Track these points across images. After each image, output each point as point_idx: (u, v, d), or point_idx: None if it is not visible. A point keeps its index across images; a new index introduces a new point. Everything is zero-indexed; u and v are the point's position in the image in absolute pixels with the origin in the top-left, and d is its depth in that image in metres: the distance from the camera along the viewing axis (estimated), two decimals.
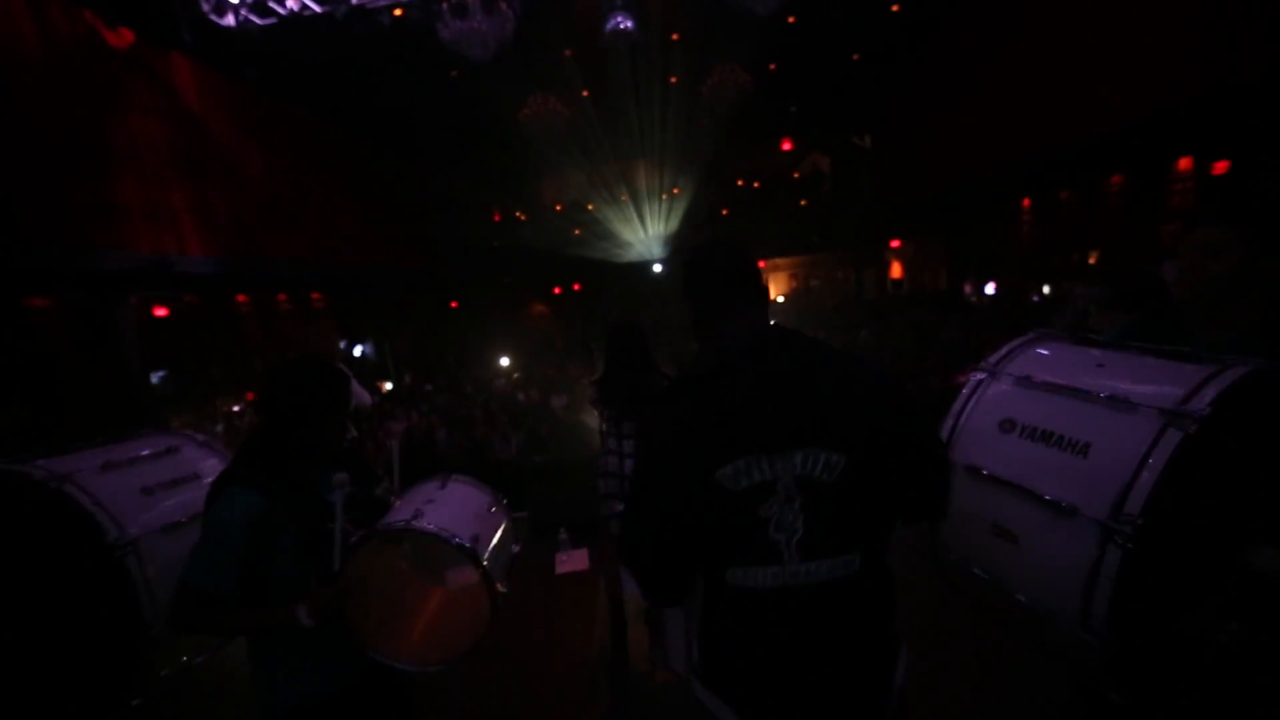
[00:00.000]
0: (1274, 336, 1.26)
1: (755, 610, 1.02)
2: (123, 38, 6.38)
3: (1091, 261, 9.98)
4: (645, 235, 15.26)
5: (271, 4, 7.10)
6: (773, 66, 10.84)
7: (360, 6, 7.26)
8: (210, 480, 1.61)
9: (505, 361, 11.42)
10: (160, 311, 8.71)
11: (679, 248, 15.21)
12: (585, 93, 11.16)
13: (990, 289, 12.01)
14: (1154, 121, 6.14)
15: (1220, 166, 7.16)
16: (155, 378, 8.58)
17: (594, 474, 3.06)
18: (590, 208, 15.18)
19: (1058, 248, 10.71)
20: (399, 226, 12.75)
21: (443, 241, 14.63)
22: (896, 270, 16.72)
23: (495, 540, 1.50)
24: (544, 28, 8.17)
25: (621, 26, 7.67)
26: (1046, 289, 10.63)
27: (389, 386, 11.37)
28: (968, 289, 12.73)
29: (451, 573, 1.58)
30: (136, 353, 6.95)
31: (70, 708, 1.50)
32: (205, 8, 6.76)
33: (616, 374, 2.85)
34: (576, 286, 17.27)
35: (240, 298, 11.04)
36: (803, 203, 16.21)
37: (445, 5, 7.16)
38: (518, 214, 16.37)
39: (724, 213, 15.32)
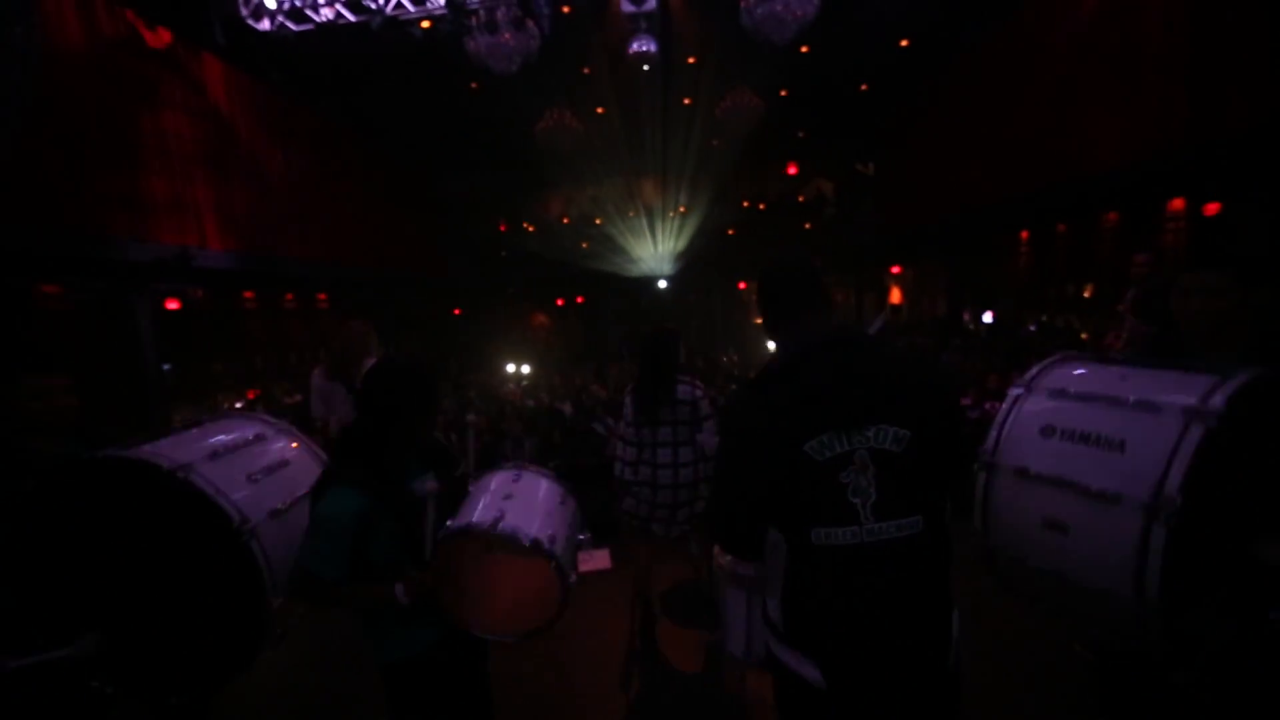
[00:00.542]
0: (1266, 355, 1.46)
1: (836, 564, 1.18)
2: (160, 37, 6.56)
3: (1086, 295, 10.28)
4: (651, 251, 15.49)
5: (307, 11, 7.31)
6: (784, 93, 11.16)
7: (393, 18, 7.48)
8: (296, 464, 1.78)
9: (511, 368, 11.51)
10: (172, 304, 8.78)
11: (686, 264, 15.44)
12: (600, 110, 11.42)
13: (988, 318, 12.28)
14: (1148, 163, 6.43)
15: (1211, 208, 7.46)
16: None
17: (607, 478, 3.16)
18: (598, 221, 15.41)
19: (1053, 280, 11.01)
20: (407, 231, 12.90)
21: (450, 248, 14.79)
22: (896, 296, 17.01)
23: (566, 534, 1.64)
24: (566, 45, 8.43)
25: (644, 49, 7.93)
26: (1044, 318, 10.90)
27: None
28: (966, 317, 13.00)
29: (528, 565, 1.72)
30: (153, 344, 7.01)
31: (214, 665, 1.73)
32: (243, 12, 6.95)
33: (651, 382, 2.93)
34: (580, 299, 17.44)
35: (247, 294, 11.10)
36: (806, 226, 16.51)
37: (475, 20, 7.39)
38: (525, 225, 16.57)
39: (730, 232, 15.58)
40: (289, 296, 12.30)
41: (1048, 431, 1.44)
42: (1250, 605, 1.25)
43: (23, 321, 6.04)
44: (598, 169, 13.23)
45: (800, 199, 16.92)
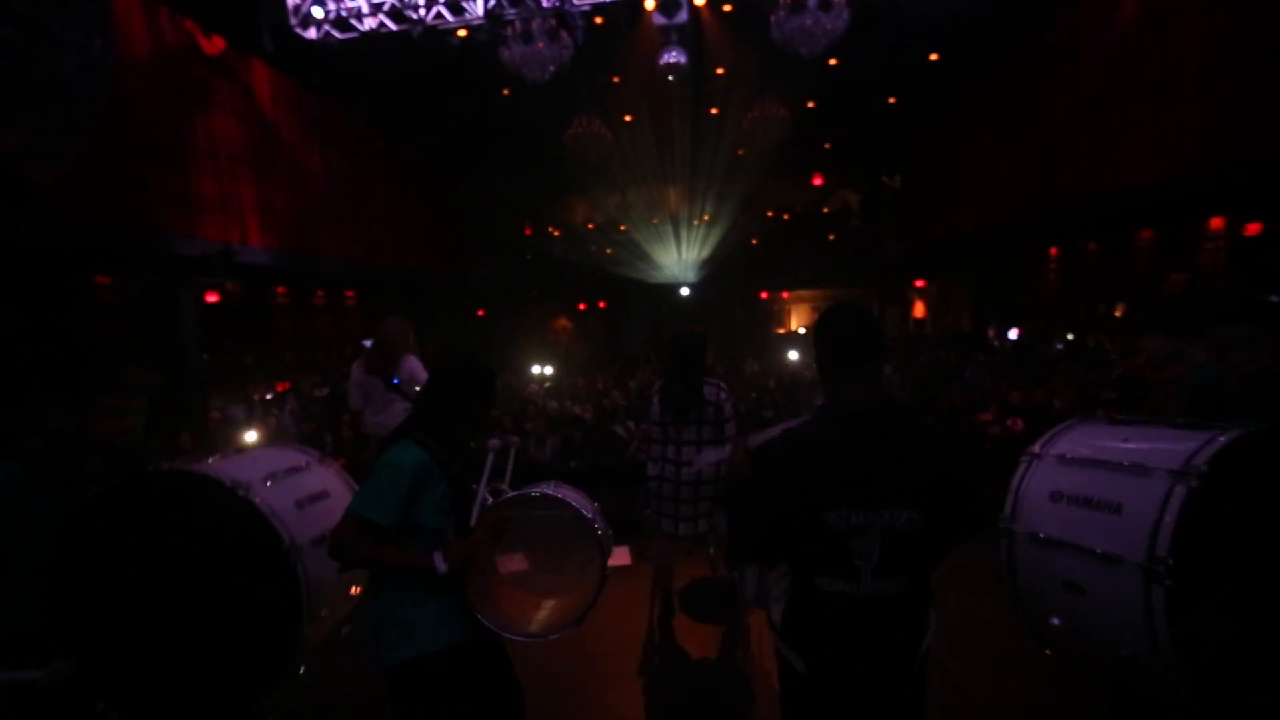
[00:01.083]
0: None
1: (833, 605, 1.37)
2: (215, 44, 6.90)
3: (1117, 314, 10.08)
4: (674, 259, 15.59)
5: (352, 21, 7.61)
6: (811, 104, 11.21)
7: (432, 27, 7.74)
8: (334, 496, 1.94)
9: (535, 370, 11.68)
10: (212, 298, 9.14)
11: (709, 273, 15.50)
12: (628, 118, 11.60)
13: (1013, 334, 12.10)
14: (1186, 181, 6.33)
15: (1253, 228, 7.30)
16: None
17: (628, 478, 3.26)
18: (622, 228, 15.58)
19: (1083, 298, 10.82)
20: (435, 233, 13.20)
21: (476, 251, 15.08)
22: (920, 310, 16.85)
23: (601, 527, 1.74)
24: (597, 54, 8.62)
25: (674, 61, 8.08)
26: (1070, 336, 10.70)
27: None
28: (991, 333, 12.82)
29: (559, 561, 1.80)
30: (194, 335, 7.32)
31: (249, 677, 1.73)
32: (292, 21, 7.26)
33: (678, 384, 3.02)
34: (602, 304, 17.61)
35: (280, 289, 11.47)
36: (830, 237, 16.48)
37: (511, 30, 7.61)
38: (551, 229, 16.80)
39: (753, 242, 15.62)
40: (320, 293, 12.67)
41: (1056, 497, 1.55)
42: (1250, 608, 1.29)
43: (79, 314, 6.37)
44: (624, 176, 13.39)
45: (825, 210, 16.89)
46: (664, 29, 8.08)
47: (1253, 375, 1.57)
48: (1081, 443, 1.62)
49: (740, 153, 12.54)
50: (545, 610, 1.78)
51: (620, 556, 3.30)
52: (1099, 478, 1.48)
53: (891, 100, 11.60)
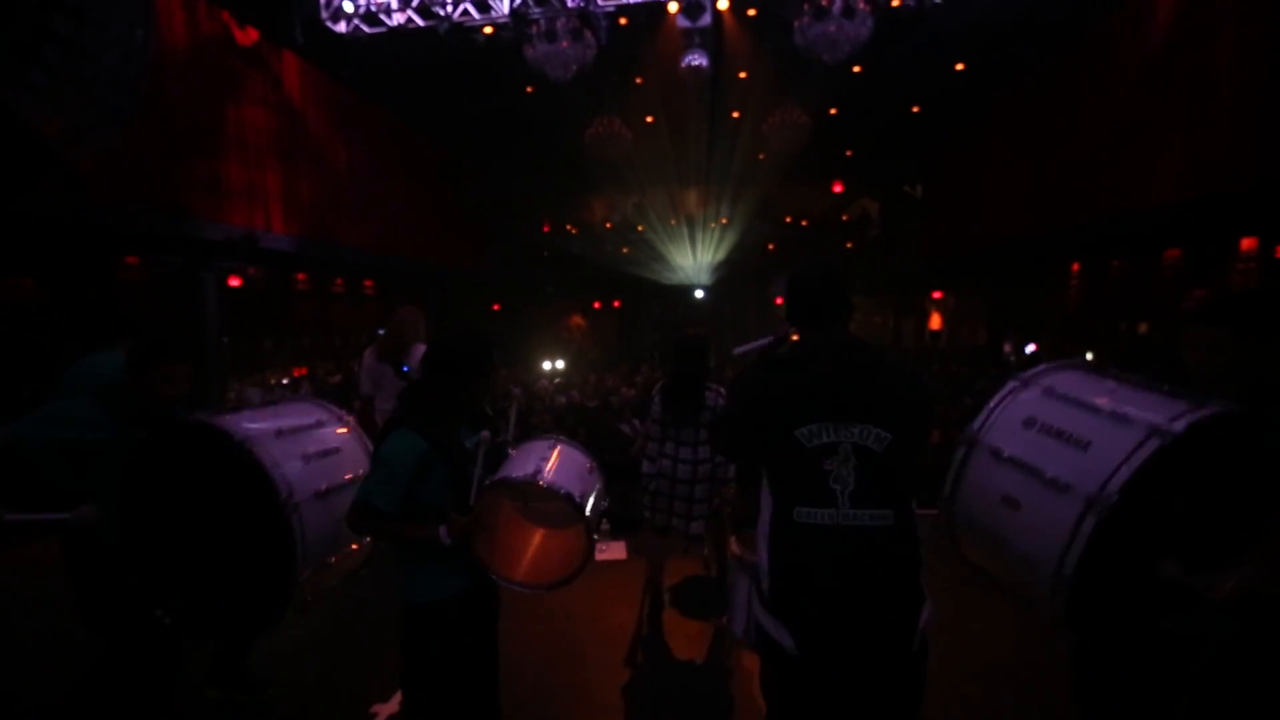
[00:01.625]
0: (1263, 396, 1.54)
1: (814, 541, 1.34)
2: (248, 35, 7.09)
3: (1141, 331, 9.87)
4: (690, 260, 15.60)
5: (381, 16, 7.76)
6: (833, 111, 11.16)
7: (459, 24, 7.87)
8: (345, 452, 2.07)
9: (547, 365, 11.78)
10: (234, 282, 9.35)
11: (724, 275, 15.48)
12: (649, 119, 11.64)
13: (1031, 349, 11.91)
14: (1216, 200, 6.20)
15: None
16: None
17: (628, 475, 3.31)
18: (640, 228, 15.62)
19: (1105, 315, 10.61)
20: (454, 226, 13.37)
21: (493, 245, 15.23)
22: (936, 321, 16.65)
23: (593, 498, 1.80)
24: (620, 55, 8.68)
25: (696, 63, 8.10)
26: (1089, 355, 10.51)
27: None
28: (1007, 348, 12.63)
29: (556, 517, 1.90)
30: (218, 318, 7.52)
31: (243, 620, 2.00)
32: (323, 15, 7.43)
33: (679, 385, 3.07)
34: (617, 303, 17.67)
35: (300, 276, 11.70)
36: (848, 245, 16.35)
37: (536, 29, 7.70)
38: (568, 227, 16.91)
39: (770, 248, 15.56)
40: (339, 281, 12.90)
41: (1029, 423, 1.60)
42: (1144, 611, 1.42)
43: (108, 291, 6.58)
44: (643, 176, 13.44)
45: (844, 218, 16.77)
46: (687, 31, 8.11)
47: (1210, 373, 1.65)
48: (1070, 382, 1.67)
49: (760, 157, 12.52)
50: (536, 543, 1.92)
51: (615, 551, 3.34)
52: (1077, 416, 1.54)
53: (915, 109, 11.49)
